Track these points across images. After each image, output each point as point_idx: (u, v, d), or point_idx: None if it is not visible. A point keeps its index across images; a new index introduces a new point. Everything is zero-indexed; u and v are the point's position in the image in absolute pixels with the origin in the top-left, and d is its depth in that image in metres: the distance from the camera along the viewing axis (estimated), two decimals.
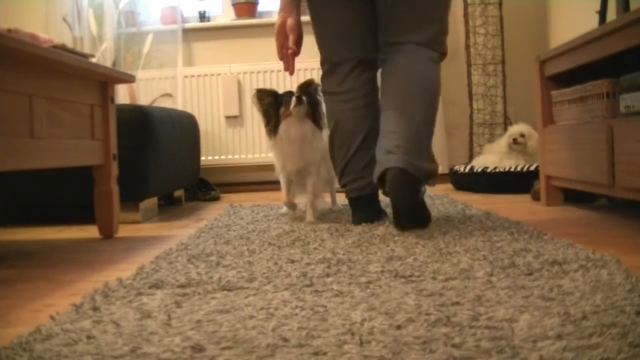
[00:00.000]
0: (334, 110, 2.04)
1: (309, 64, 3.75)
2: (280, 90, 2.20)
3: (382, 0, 1.94)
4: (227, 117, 3.81)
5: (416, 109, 1.84)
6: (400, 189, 1.74)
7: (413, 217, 1.81)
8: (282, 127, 2.09)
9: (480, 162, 3.32)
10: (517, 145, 3.21)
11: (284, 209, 2.37)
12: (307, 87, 2.14)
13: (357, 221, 1.98)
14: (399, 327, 0.89)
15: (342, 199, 2.36)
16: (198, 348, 0.83)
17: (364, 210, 2.00)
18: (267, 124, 2.14)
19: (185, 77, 3.83)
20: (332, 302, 1.04)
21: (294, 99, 2.06)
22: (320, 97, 2.13)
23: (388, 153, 1.78)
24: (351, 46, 2.02)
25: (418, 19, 1.91)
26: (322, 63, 2.09)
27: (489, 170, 3.15)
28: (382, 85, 1.95)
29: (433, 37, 1.92)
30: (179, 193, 3.21)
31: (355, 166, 1.99)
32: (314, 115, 2.12)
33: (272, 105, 2.11)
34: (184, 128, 3.08)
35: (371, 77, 2.05)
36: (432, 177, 1.90)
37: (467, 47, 3.73)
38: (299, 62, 2.10)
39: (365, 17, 2.00)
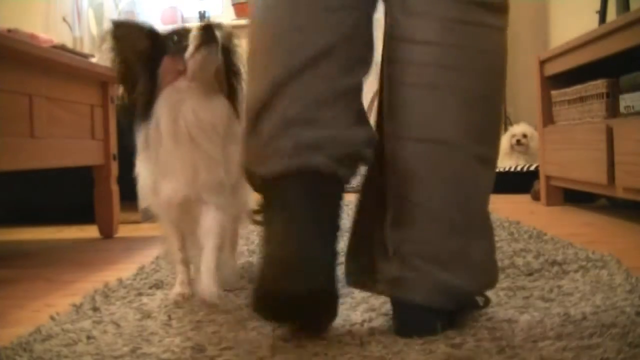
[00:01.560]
0: None
1: None
2: None
3: None
4: None
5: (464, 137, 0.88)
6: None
7: None
8: (165, 100, 1.02)
9: None
10: (520, 146, 3.21)
11: (176, 291, 1.12)
12: (213, 31, 1.03)
13: (280, 250, 0.82)
14: None
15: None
16: (198, 348, 0.83)
17: (303, 214, 0.83)
18: (130, 93, 1.05)
19: None
20: None
21: (193, 34, 1.01)
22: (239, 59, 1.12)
23: (401, 261, 0.88)
24: None
25: None
26: None
27: None
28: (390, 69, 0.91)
29: None
30: None
31: (307, 92, 0.87)
32: (228, 87, 1.09)
33: (144, 56, 1.03)
34: None
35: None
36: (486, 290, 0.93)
37: None
38: None
39: None
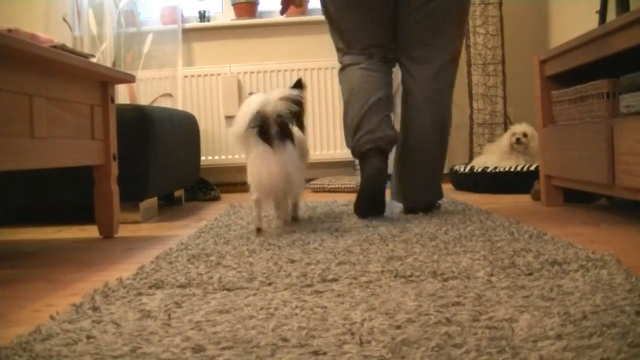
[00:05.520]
0: (351, 79, 2.17)
1: (334, 62, 3.76)
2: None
3: (401, 8, 2.14)
4: (227, 117, 3.81)
5: (438, 146, 2.20)
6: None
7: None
8: None
9: (481, 162, 3.32)
10: (520, 145, 3.21)
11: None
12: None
13: (368, 172, 2.07)
14: (398, 327, 0.88)
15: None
16: (198, 348, 0.83)
17: (374, 160, 2.07)
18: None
19: (185, 77, 3.83)
20: (332, 302, 1.04)
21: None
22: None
23: (405, 190, 2.25)
24: (370, 36, 2.18)
25: (434, 32, 2.14)
26: (338, 50, 2.26)
27: (489, 170, 3.15)
28: (402, 108, 2.24)
29: (449, 52, 2.17)
30: (179, 193, 3.21)
31: (370, 120, 2.10)
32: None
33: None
34: (184, 128, 3.08)
35: (388, 66, 2.23)
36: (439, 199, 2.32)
37: (467, 47, 3.73)
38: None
39: (384, 19, 2.17)
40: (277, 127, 1.77)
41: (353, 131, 2.12)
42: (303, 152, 1.99)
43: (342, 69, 2.24)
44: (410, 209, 2.20)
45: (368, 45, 2.18)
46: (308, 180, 3.66)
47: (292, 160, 1.80)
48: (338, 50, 2.27)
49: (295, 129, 1.88)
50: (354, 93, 2.14)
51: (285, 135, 1.79)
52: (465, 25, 2.28)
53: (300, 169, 1.91)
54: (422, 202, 2.20)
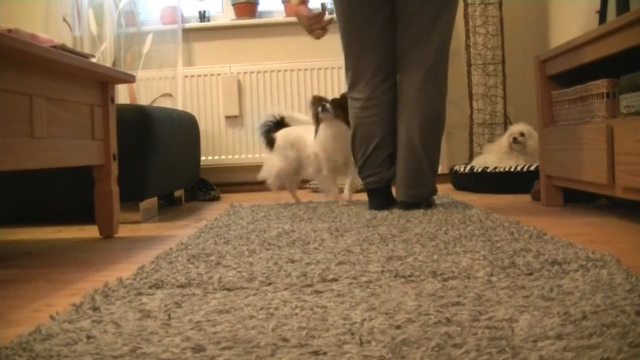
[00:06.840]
0: (355, 116, 2.43)
1: (334, 62, 3.76)
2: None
3: (399, 15, 2.31)
4: (227, 117, 3.81)
5: (422, 147, 2.32)
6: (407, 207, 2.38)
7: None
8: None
9: (480, 162, 3.32)
10: (517, 144, 3.21)
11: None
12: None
13: (372, 207, 2.42)
14: (398, 327, 0.88)
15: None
16: (198, 348, 0.83)
17: (378, 198, 2.43)
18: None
19: (185, 77, 3.83)
20: (332, 302, 1.04)
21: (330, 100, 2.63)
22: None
23: (397, 184, 2.42)
24: (374, 55, 2.35)
25: (427, 30, 2.28)
26: (346, 69, 2.45)
27: (489, 170, 3.15)
28: (399, 105, 2.38)
29: (440, 48, 2.30)
30: (179, 193, 3.21)
31: (371, 164, 2.41)
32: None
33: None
34: (184, 128, 3.08)
35: (390, 85, 2.38)
36: (432, 195, 2.46)
37: (467, 47, 3.73)
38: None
39: (389, 29, 2.34)
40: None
41: (358, 169, 2.47)
42: (279, 152, 2.78)
43: (350, 98, 2.47)
44: (402, 203, 2.36)
45: (366, 68, 2.37)
46: (308, 181, 3.67)
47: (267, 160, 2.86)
48: (346, 69, 2.46)
49: (280, 137, 2.79)
50: (357, 130, 2.42)
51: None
52: (453, 25, 2.36)
53: (267, 164, 2.86)
54: (411, 196, 2.35)
